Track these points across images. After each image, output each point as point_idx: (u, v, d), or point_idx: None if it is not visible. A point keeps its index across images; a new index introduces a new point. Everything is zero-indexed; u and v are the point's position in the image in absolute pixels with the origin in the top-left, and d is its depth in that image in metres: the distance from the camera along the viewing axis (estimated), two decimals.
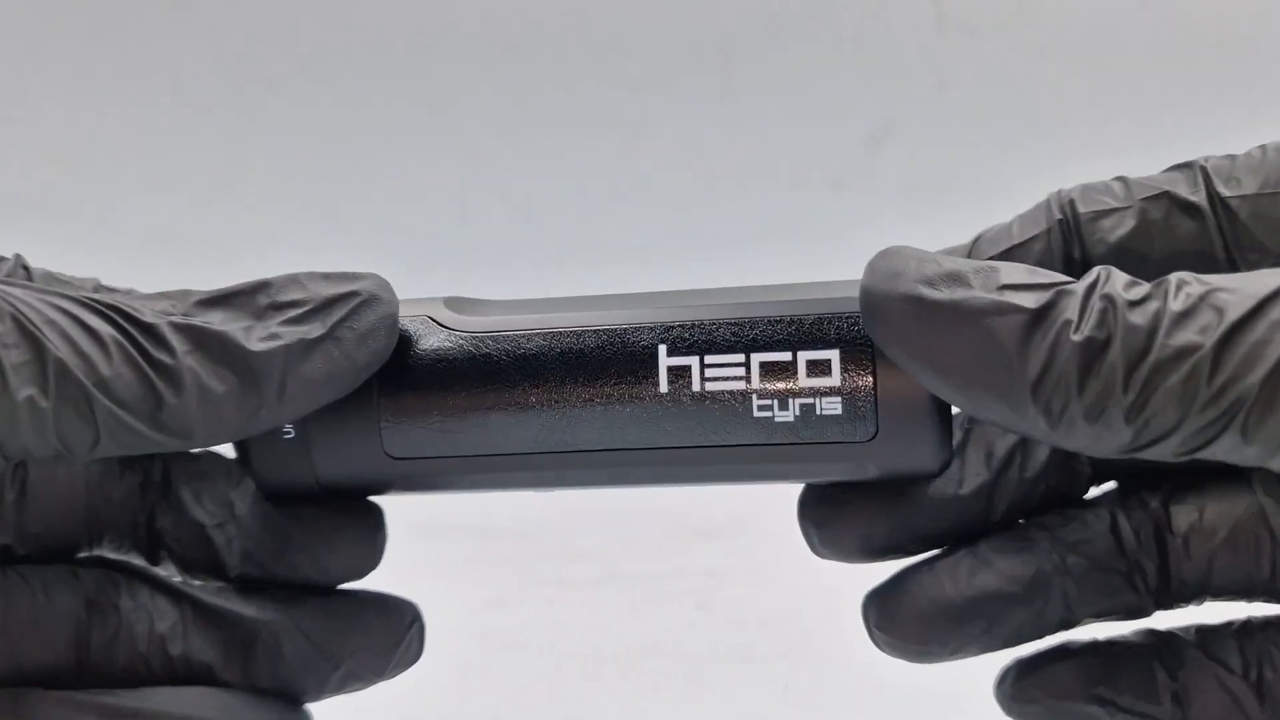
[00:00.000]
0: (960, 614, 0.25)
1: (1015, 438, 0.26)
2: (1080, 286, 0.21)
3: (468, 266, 0.62)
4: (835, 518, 0.26)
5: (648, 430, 0.24)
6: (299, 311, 0.23)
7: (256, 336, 0.22)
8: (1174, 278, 0.21)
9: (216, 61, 0.65)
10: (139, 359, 0.21)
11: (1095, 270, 0.21)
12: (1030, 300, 0.21)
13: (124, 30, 0.65)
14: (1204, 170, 0.25)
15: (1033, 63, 0.64)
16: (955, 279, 0.21)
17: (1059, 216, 0.26)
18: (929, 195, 0.64)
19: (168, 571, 0.27)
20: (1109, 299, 0.21)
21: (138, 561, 0.27)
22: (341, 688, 0.27)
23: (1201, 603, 0.27)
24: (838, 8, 0.64)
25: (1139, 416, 0.20)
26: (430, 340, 0.25)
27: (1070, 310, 0.21)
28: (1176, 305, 0.20)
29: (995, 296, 0.21)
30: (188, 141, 0.65)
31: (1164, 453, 0.21)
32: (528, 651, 0.42)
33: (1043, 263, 0.25)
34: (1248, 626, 0.26)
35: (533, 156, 0.64)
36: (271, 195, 0.65)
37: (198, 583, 0.27)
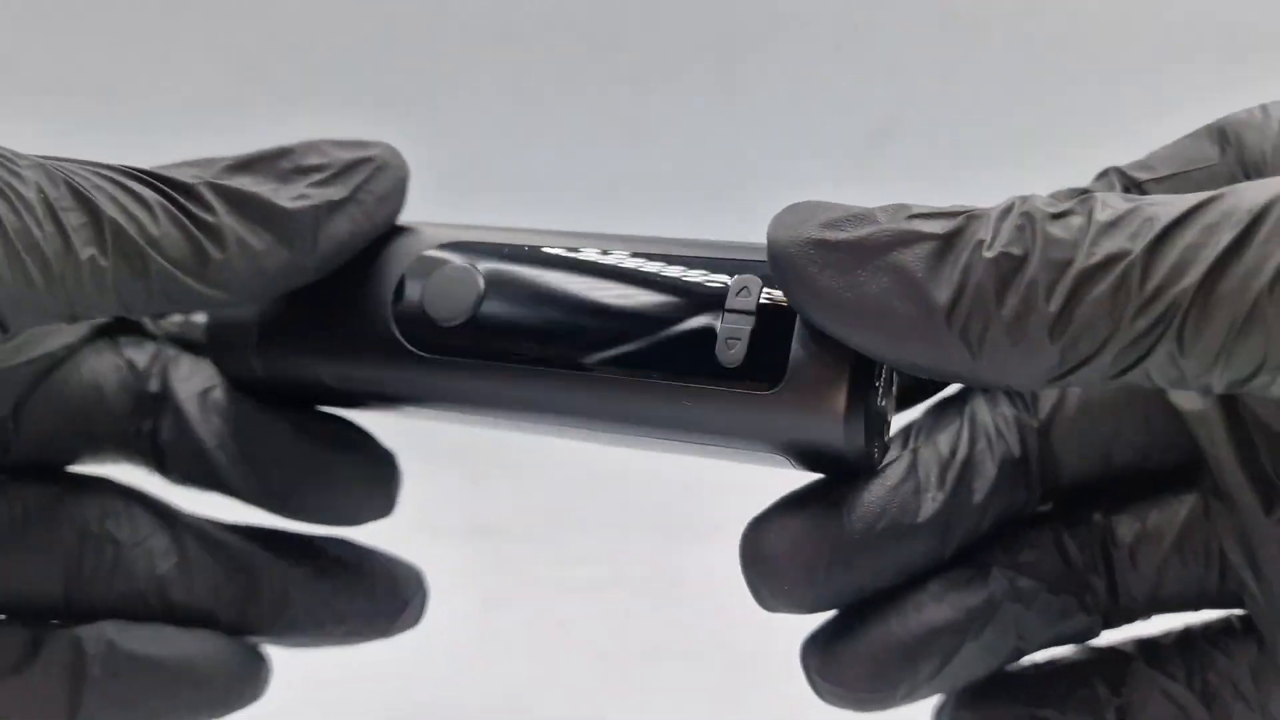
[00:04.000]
0: (911, 652, 0.23)
1: (962, 457, 0.24)
2: (994, 209, 0.20)
3: None
4: (780, 563, 0.23)
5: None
6: (322, 175, 0.24)
7: (286, 196, 0.23)
8: (1099, 195, 0.20)
9: None
10: (184, 219, 0.22)
11: (1011, 197, 0.20)
12: (938, 226, 0.20)
13: None
14: (1120, 171, 0.24)
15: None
16: (861, 219, 0.20)
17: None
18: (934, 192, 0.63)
19: (173, 480, 0.27)
20: (1027, 215, 0.19)
21: (143, 479, 0.27)
22: (340, 642, 0.27)
23: (1149, 617, 0.26)
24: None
25: (1065, 332, 0.19)
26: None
27: (982, 231, 0.19)
28: (1102, 216, 0.19)
29: (901, 226, 0.20)
30: None
31: (1096, 374, 0.19)
32: (527, 653, 0.41)
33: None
34: (1188, 634, 0.25)
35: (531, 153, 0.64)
36: None
37: (203, 518, 0.27)
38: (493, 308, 0.24)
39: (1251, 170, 0.23)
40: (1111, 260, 0.18)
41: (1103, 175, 0.24)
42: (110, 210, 0.21)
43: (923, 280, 0.19)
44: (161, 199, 0.22)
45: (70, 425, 0.26)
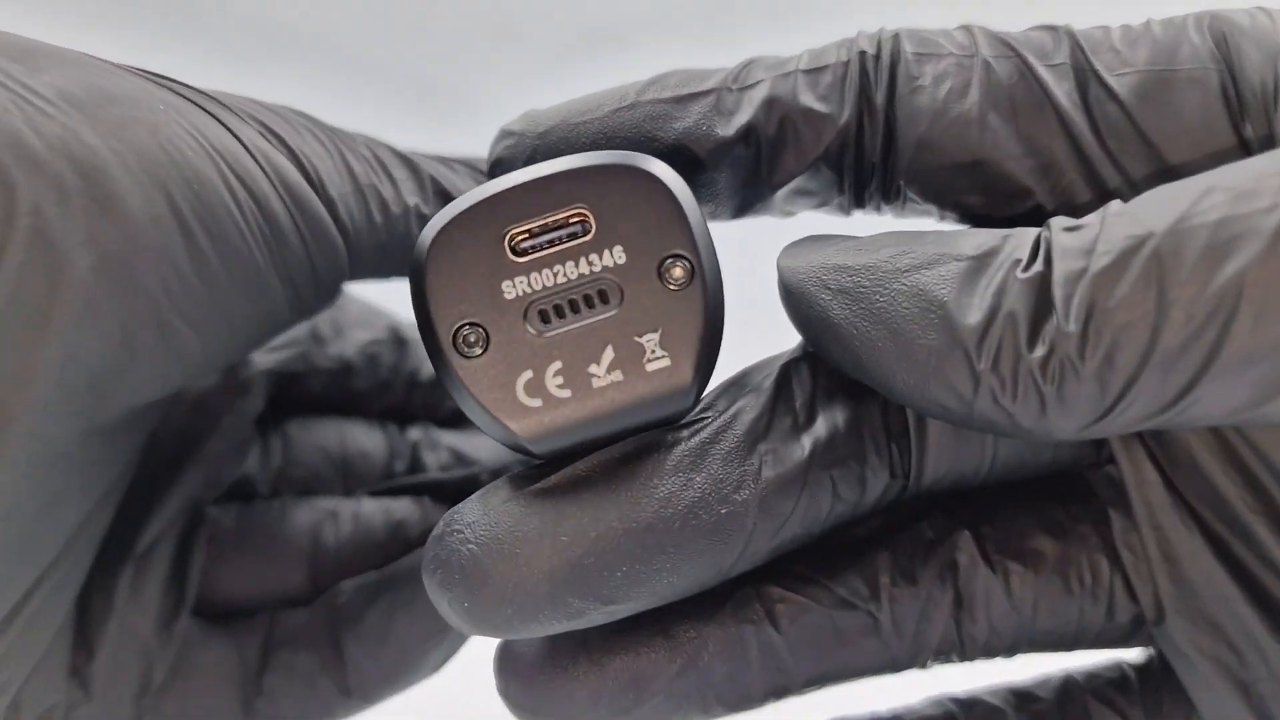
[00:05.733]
0: (604, 702, 0.20)
1: (741, 429, 0.19)
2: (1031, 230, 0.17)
3: None
4: (457, 568, 0.19)
5: None
6: None
7: None
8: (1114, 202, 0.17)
9: None
10: (482, 178, 0.24)
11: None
12: (970, 247, 0.17)
13: None
14: (1072, 36, 0.20)
15: None
16: (881, 244, 0.18)
17: (865, 49, 0.20)
18: None
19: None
20: (1048, 225, 0.17)
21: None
22: None
23: (1013, 656, 0.21)
24: None
25: (1096, 353, 0.15)
26: None
27: (1020, 249, 0.16)
28: (1115, 208, 0.16)
29: (931, 249, 0.17)
30: None
31: (1151, 405, 0.15)
32: None
33: (828, 97, 0.20)
34: (1069, 686, 0.21)
35: None
36: None
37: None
38: None
39: (1249, 95, 0.18)
40: (1134, 244, 0.15)
41: (1046, 29, 0.20)
42: (427, 167, 0.23)
43: (951, 303, 0.16)
44: (462, 165, 0.24)
45: (329, 465, 0.28)
